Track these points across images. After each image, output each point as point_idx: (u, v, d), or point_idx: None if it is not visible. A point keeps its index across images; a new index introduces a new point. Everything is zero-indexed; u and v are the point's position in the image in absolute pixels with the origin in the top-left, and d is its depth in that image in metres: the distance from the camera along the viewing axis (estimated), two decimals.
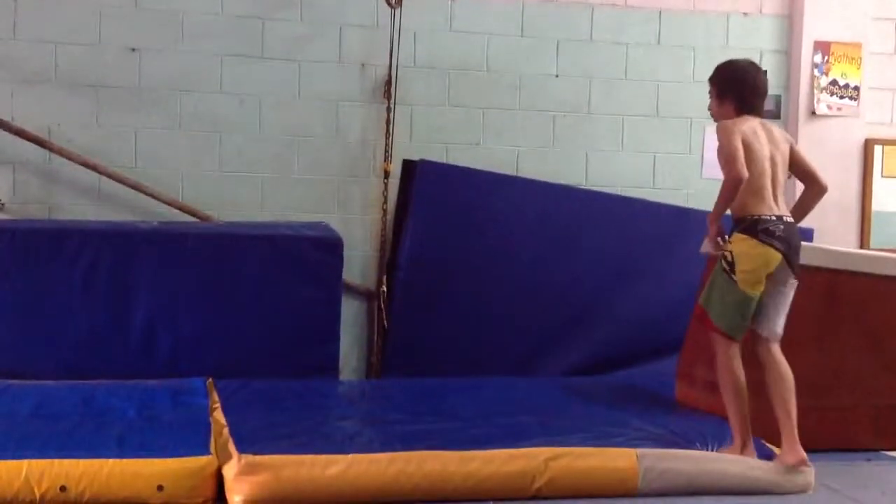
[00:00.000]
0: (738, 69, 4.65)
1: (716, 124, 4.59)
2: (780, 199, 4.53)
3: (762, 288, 4.43)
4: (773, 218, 4.44)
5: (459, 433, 4.44)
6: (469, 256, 6.23)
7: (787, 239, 4.44)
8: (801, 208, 4.73)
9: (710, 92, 4.71)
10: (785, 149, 4.62)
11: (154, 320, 5.54)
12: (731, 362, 4.48)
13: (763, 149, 4.50)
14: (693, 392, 5.27)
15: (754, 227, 4.42)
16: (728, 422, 4.54)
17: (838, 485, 4.50)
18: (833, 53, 6.87)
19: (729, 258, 4.43)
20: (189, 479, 3.92)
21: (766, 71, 4.72)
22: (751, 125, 4.52)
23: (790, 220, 4.52)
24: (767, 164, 4.50)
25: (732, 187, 4.39)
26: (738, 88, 4.58)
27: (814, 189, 4.75)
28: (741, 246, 4.43)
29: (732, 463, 4.37)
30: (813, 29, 6.84)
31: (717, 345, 4.52)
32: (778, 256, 4.40)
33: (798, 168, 4.71)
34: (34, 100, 5.98)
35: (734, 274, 4.41)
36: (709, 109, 4.74)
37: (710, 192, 6.60)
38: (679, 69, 6.76)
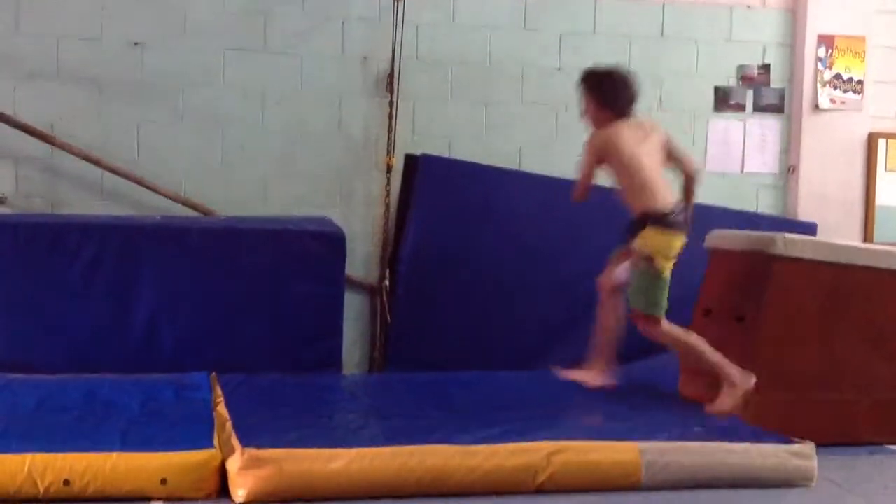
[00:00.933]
0: (618, 80, 4.94)
1: (589, 133, 4.90)
2: (667, 186, 4.84)
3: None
4: (672, 207, 4.78)
5: (462, 427, 4.43)
6: (471, 251, 6.22)
7: (687, 222, 4.85)
8: (686, 196, 5.01)
9: (584, 96, 4.93)
10: (657, 139, 4.89)
11: (157, 315, 5.54)
12: (672, 331, 4.82)
13: (636, 148, 4.78)
14: (696, 386, 5.26)
15: (663, 219, 4.74)
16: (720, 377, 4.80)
17: (841, 478, 4.49)
18: (837, 47, 6.85)
19: (647, 253, 4.73)
20: (192, 472, 3.91)
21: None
22: (619, 131, 4.80)
23: (682, 204, 4.88)
24: (645, 160, 4.78)
25: (574, 200, 4.99)
26: (617, 98, 4.86)
27: (686, 175, 5.07)
28: (655, 238, 4.73)
29: (735, 455, 4.37)
30: (816, 22, 6.83)
31: (652, 328, 4.83)
32: (683, 240, 4.76)
33: (669, 157, 4.97)
34: (36, 94, 5.99)
35: (654, 263, 4.72)
36: (583, 113, 4.96)
37: (714, 185, 6.64)
38: (683, 62, 6.74)
